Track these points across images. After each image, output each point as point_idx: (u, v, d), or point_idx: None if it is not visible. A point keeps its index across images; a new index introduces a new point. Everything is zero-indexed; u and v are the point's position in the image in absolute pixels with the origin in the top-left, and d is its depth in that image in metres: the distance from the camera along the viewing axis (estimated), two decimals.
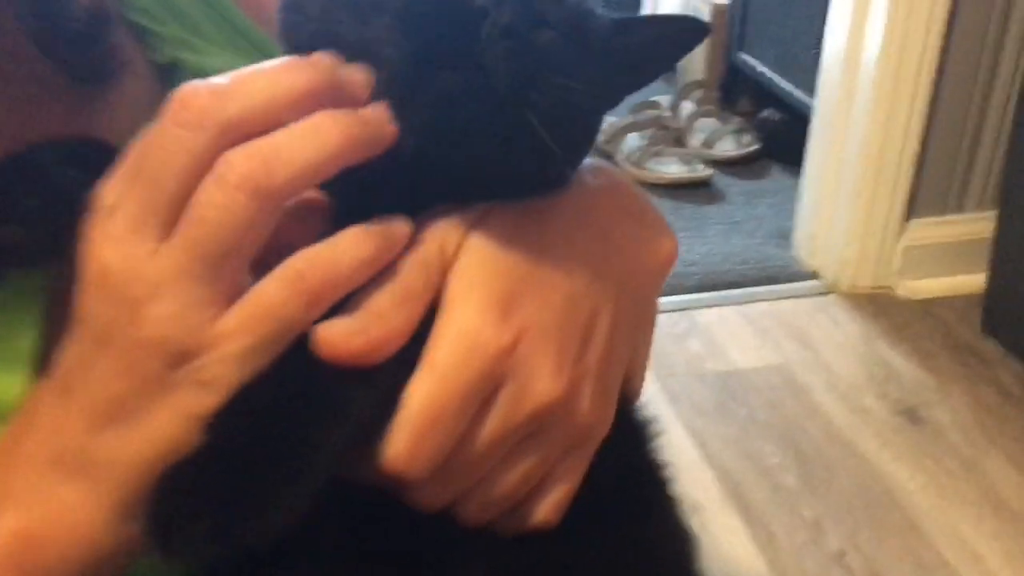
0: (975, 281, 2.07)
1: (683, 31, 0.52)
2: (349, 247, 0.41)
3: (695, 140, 2.76)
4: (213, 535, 0.36)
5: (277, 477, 0.38)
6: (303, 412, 0.39)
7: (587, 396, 0.47)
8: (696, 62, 2.94)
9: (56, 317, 0.42)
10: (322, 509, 0.39)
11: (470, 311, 0.43)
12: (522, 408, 0.44)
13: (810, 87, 2.31)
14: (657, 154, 2.63)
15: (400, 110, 0.42)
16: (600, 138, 2.70)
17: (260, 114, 0.40)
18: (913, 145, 2.07)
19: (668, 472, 0.58)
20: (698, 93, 2.88)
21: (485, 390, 0.43)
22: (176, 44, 0.59)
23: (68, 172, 0.46)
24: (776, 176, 2.69)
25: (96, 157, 0.45)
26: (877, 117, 2.05)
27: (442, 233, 0.45)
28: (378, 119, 0.42)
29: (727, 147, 2.72)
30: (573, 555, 0.50)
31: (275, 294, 0.39)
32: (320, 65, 0.41)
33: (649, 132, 2.69)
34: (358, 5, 0.42)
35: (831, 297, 2.17)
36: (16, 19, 0.49)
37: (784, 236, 2.35)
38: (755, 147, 2.73)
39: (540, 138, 0.42)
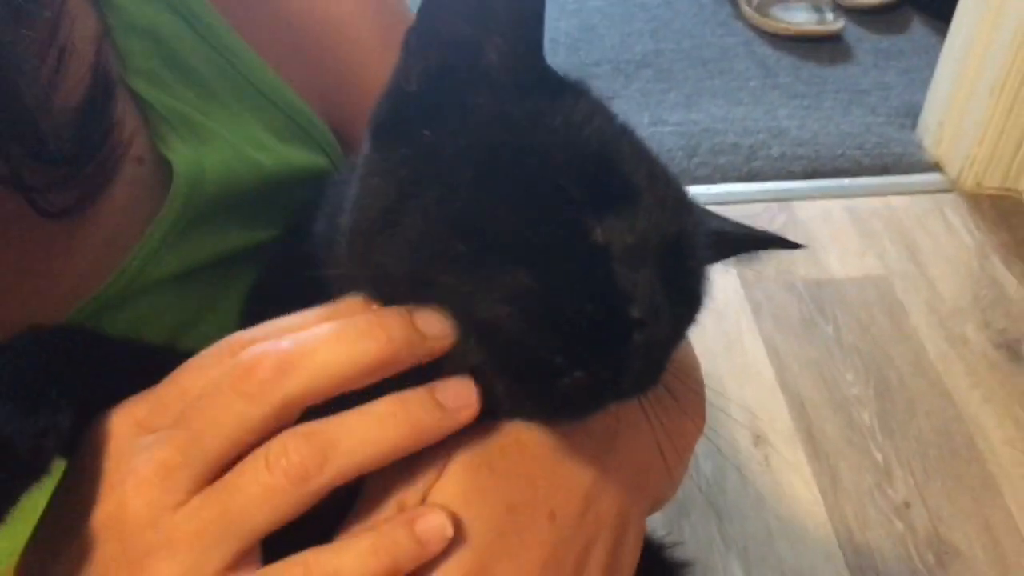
0: None
1: (771, 245, 0.54)
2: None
3: None
4: None
5: None
6: None
7: None
8: None
9: None
10: None
11: None
12: None
13: None
14: None
15: (510, 393, 0.41)
16: None
17: (325, 390, 0.39)
18: None
19: None
20: None
21: None
22: (176, 123, 0.52)
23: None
24: (916, 32, 2.41)
25: (81, 348, 0.43)
26: None
27: (403, 490, 0.43)
28: (457, 406, 0.40)
29: None
30: None
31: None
32: (395, 331, 0.39)
33: None
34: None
35: (951, 196, 1.99)
36: None
37: (911, 114, 2.13)
38: None
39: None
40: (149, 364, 0.42)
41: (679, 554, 0.61)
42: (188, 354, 0.42)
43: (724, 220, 0.53)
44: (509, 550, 0.43)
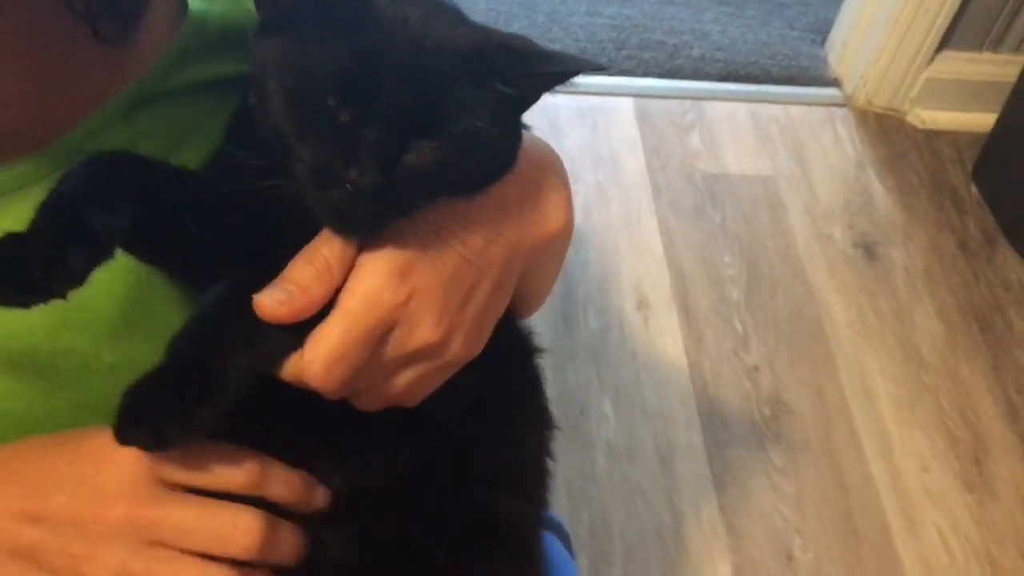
0: (987, 123, 2.11)
1: (574, 72, 0.57)
2: None
3: None
4: (152, 437, 0.52)
5: (198, 397, 0.53)
6: (228, 345, 0.54)
7: (459, 340, 0.61)
8: None
9: None
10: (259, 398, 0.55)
11: (376, 273, 0.56)
12: (407, 346, 0.58)
13: None
14: None
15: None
16: None
17: None
18: None
19: (537, 376, 0.74)
20: None
21: (383, 332, 0.57)
22: None
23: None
24: None
25: (125, 171, 0.58)
26: None
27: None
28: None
29: None
30: (464, 446, 0.67)
31: None
32: None
33: None
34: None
35: (843, 111, 2.23)
36: None
37: (823, 31, 2.34)
38: None
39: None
40: (175, 182, 0.60)
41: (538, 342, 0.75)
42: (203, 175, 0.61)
43: (535, 60, 0.59)
44: (429, 257, 0.57)
